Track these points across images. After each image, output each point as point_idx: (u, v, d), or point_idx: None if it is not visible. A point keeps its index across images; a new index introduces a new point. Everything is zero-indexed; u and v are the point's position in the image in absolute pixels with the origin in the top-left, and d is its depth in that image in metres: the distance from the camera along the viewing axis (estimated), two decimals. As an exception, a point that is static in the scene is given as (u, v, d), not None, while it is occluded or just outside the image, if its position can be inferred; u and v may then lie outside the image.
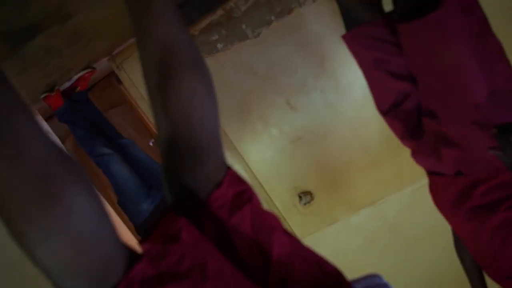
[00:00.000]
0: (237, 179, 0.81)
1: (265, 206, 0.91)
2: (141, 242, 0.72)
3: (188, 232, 0.69)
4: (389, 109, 1.22)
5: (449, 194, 1.16)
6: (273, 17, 1.87)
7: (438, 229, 2.23)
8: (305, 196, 2.17)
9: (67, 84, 2.02)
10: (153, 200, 1.89)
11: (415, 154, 1.25)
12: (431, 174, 1.24)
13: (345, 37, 1.22)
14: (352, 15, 1.20)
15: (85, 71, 1.95)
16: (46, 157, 0.53)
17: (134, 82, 2.02)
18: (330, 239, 2.26)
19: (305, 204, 2.18)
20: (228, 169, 0.81)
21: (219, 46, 1.92)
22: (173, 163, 0.78)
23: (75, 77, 1.97)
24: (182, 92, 0.74)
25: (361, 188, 2.16)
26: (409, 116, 1.19)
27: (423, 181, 2.14)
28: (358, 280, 0.84)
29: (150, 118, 2.10)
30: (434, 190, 1.24)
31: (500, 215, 1.03)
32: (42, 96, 1.92)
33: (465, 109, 1.02)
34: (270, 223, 0.78)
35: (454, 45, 0.96)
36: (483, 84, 0.98)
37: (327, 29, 1.89)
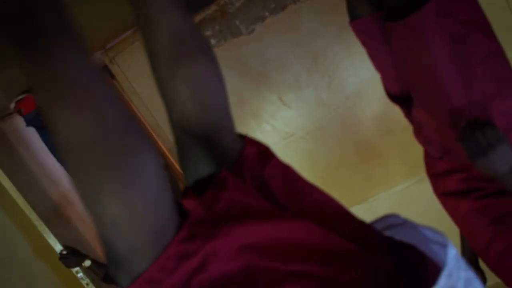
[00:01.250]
0: (256, 142, 0.86)
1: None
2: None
3: (233, 180, 0.71)
4: (395, 94, 1.30)
5: (432, 172, 1.26)
6: (267, 14, 1.87)
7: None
8: (297, 192, 2.18)
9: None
10: None
11: (414, 133, 1.31)
12: (426, 152, 1.31)
13: (351, 24, 1.26)
14: (354, 7, 1.23)
15: (77, 65, 1.92)
16: (123, 114, 0.56)
17: (127, 76, 2.01)
18: (321, 235, 2.27)
19: (296, 200, 2.19)
20: (244, 136, 0.85)
21: (213, 41, 1.92)
22: (193, 146, 0.79)
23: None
24: (194, 76, 0.76)
25: (352, 185, 2.17)
26: (408, 101, 1.25)
27: (414, 179, 2.18)
28: (374, 222, 0.89)
29: (142, 112, 2.09)
30: (426, 167, 1.33)
31: (470, 203, 1.11)
32: (20, 97, 1.89)
33: (443, 112, 1.05)
34: (296, 174, 0.83)
35: (429, 49, 0.98)
36: (460, 88, 1.00)
37: (321, 26, 1.89)
